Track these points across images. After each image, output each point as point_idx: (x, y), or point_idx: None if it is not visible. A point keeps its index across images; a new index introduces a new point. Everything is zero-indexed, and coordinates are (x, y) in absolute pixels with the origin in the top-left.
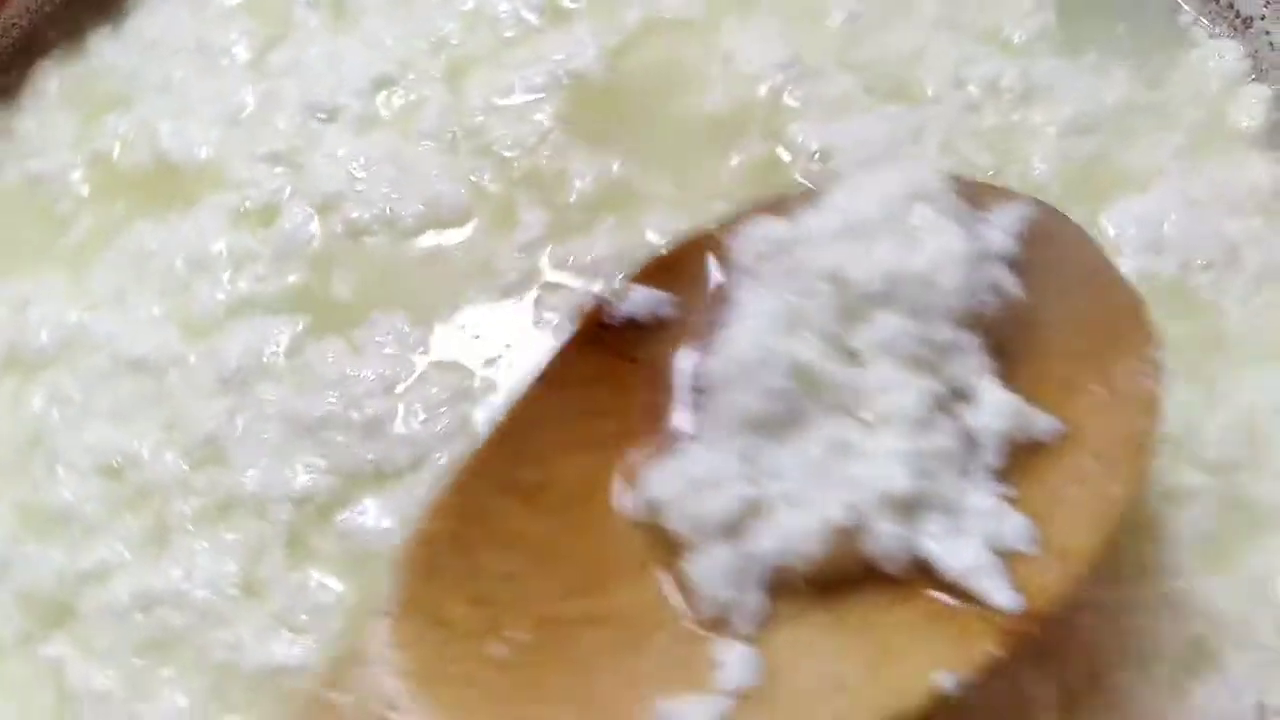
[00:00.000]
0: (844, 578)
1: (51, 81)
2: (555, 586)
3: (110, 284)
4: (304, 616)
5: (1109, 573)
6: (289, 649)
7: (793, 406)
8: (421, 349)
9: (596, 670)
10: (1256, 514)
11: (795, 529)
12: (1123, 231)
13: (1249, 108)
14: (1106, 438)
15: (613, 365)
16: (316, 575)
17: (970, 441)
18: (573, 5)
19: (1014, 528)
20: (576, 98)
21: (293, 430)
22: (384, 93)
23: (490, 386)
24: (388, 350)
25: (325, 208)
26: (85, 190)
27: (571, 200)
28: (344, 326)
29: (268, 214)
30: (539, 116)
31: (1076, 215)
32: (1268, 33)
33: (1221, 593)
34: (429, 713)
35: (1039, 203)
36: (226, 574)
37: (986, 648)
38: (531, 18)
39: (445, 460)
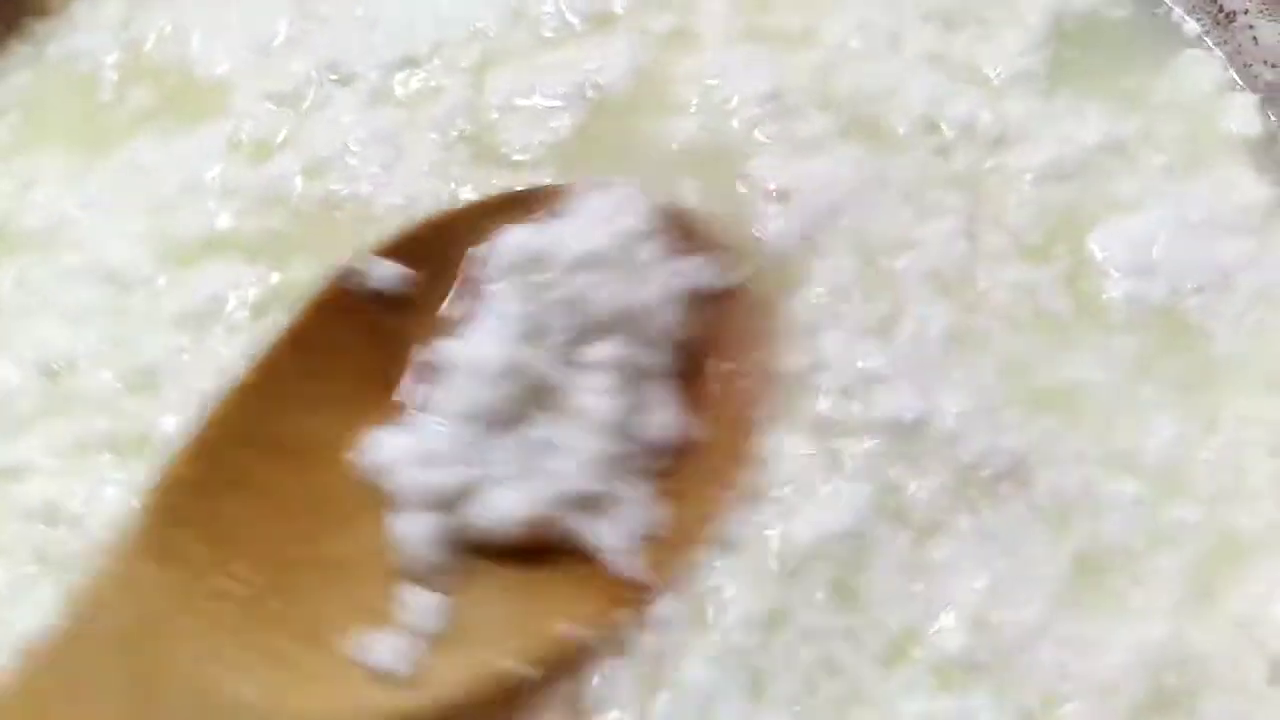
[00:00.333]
0: (531, 547)
1: None
2: (286, 531)
3: (107, 186)
4: None
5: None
6: None
7: (517, 405)
8: None
9: (315, 605)
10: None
11: (499, 510)
12: (1111, 254)
13: (1237, 116)
14: (728, 439)
15: (354, 332)
16: None
17: (642, 446)
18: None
19: (656, 517)
20: (597, 110)
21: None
22: (405, 72)
23: None
24: None
25: (311, 170)
26: (115, 76)
27: None
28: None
29: (260, 152)
30: (554, 124)
31: (1058, 249)
32: (1251, 27)
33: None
34: (172, 640)
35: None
36: (126, 513)
37: (613, 609)
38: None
39: None
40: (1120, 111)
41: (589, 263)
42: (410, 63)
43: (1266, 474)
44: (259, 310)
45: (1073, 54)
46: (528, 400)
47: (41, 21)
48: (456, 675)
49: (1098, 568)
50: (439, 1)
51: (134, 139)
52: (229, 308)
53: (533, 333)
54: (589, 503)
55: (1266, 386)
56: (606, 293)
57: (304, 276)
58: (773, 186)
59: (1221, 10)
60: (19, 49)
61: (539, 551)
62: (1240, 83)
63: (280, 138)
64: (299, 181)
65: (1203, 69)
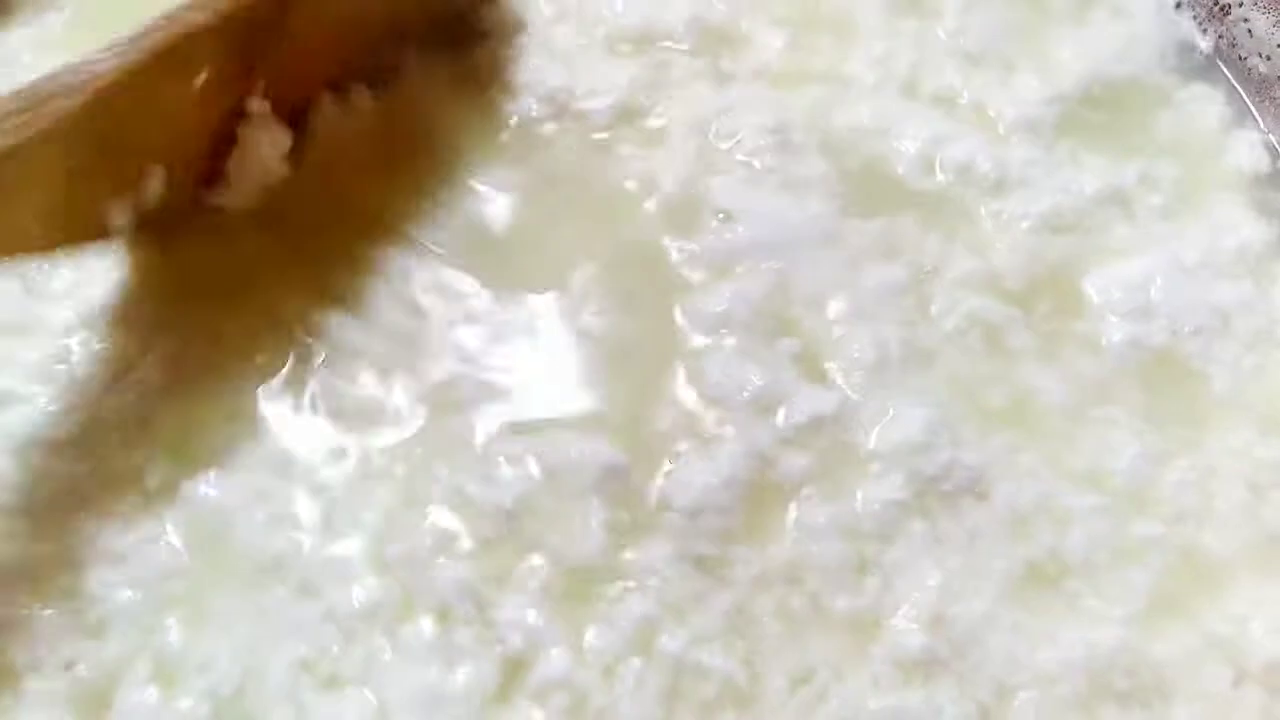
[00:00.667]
0: None
1: None
2: None
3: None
4: None
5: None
6: None
7: None
8: None
9: None
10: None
11: None
12: (1108, 297)
13: (1244, 153)
14: None
15: None
16: None
17: None
18: None
19: None
20: None
21: None
22: None
23: None
24: None
25: None
26: None
27: None
28: None
29: None
30: None
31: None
32: (1246, 20)
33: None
34: None
35: None
36: None
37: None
38: None
39: None
40: (1120, 157)
41: None
42: None
43: (1236, 502)
44: None
45: (1087, 111)
46: None
47: None
48: None
49: (1055, 574)
50: None
51: None
52: None
53: None
54: None
55: (1260, 429)
56: None
57: None
58: (722, 206)
59: (1216, 3)
60: None
61: None
62: (1254, 111)
63: None
64: None
65: (1209, 105)
